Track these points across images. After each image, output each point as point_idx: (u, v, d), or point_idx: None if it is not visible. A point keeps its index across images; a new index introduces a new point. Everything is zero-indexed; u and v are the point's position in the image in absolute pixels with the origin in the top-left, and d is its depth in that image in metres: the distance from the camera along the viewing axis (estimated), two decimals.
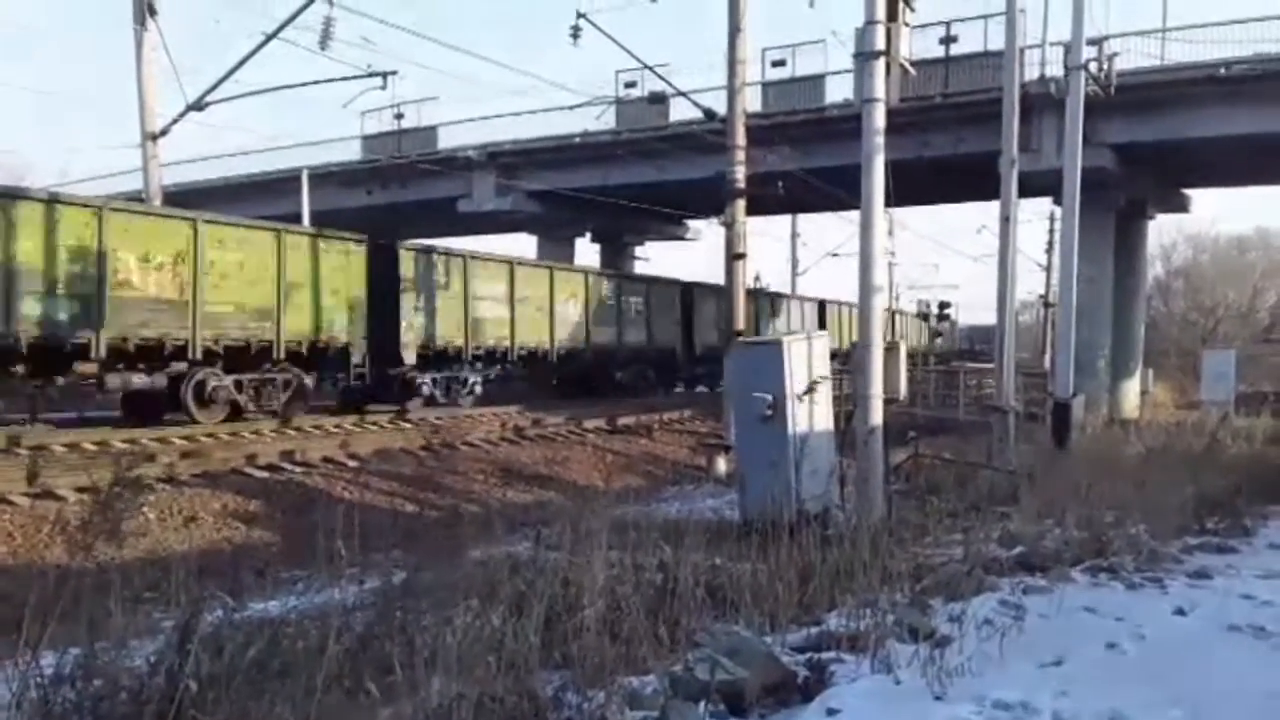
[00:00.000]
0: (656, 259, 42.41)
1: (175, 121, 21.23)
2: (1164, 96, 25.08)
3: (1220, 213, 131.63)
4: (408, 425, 19.13)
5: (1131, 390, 31.47)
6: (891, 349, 11.38)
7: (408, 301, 20.91)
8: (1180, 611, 5.96)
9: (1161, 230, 50.70)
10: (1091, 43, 19.31)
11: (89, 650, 3.74)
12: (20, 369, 14.99)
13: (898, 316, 44.59)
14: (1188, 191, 35.09)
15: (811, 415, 10.60)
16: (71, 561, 4.65)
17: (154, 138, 20.86)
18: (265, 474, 13.94)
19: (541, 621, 4.47)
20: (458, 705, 3.60)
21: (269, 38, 20.55)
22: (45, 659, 3.81)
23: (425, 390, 21.47)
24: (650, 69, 23.99)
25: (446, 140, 36.00)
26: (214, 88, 21.10)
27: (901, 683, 4.41)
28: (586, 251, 41.12)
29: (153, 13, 20.22)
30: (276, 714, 3.55)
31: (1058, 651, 4.97)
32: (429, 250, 22.17)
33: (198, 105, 21.04)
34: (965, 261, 74.56)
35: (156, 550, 10.55)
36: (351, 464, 15.18)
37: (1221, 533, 9.50)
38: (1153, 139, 26.06)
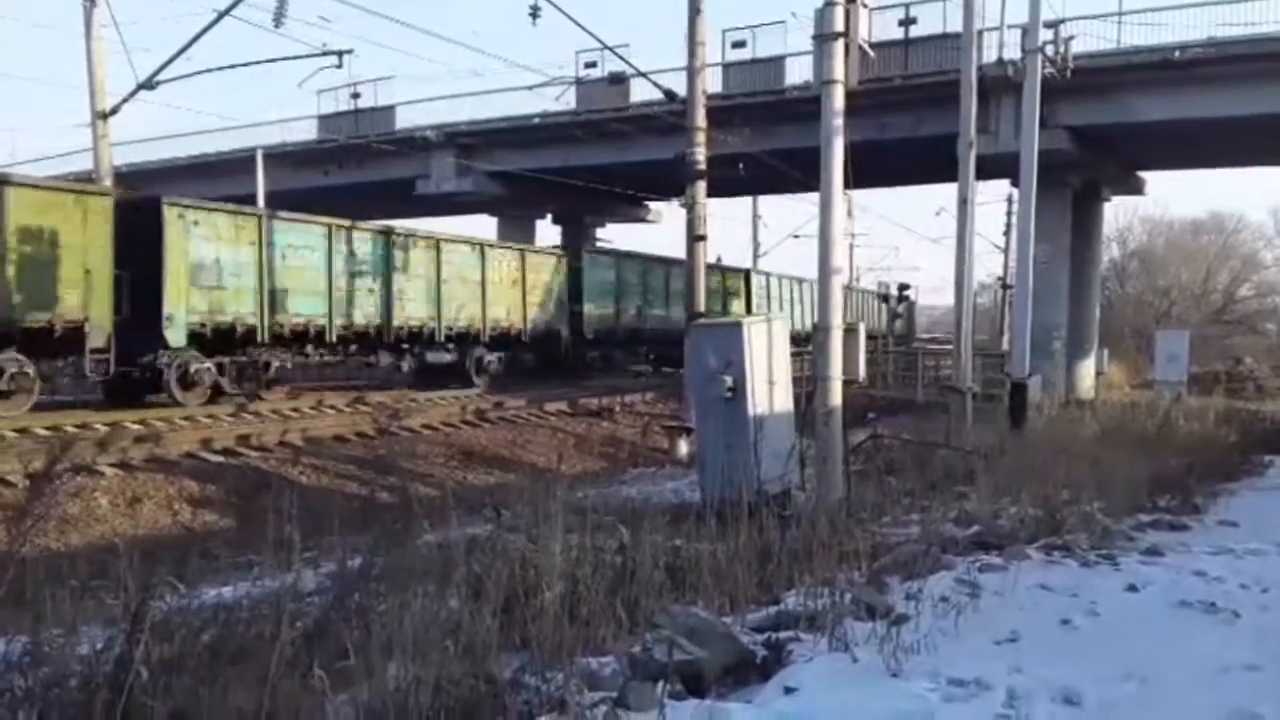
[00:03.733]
0: (619, 241, 42.20)
1: (126, 100, 20.89)
2: (1120, 80, 25.33)
3: (1175, 196, 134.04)
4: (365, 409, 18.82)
5: (1087, 371, 31.88)
6: (850, 331, 11.44)
7: (176, 272, 17.13)
8: (1133, 588, 6.04)
9: (1118, 213, 51.55)
10: (1048, 25, 19.43)
11: (36, 637, 3.67)
12: None
13: (857, 296, 44.68)
14: (1143, 174, 35.54)
15: (771, 397, 10.63)
16: (19, 547, 4.58)
17: (104, 116, 20.52)
18: None
19: (500, 604, 4.45)
20: (415, 689, 3.58)
21: (221, 15, 20.21)
22: None
23: (205, 379, 17.68)
24: (610, 49, 23.86)
25: (404, 120, 35.61)
26: (165, 66, 20.78)
27: (858, 660, 4.44)
28: (548, 233, 41.00)
29: None
30: (230, 700, 3.51)
31: (1012, 628, 5.02)
32: (204, 208, 18.12)
33: (149, 84, 20.69)
34: (925, 243, 75.41)
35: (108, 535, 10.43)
36: (311, 448, 15.09)
37: (1173, 511, 9.68)
38: (1108, 122, 26.34)
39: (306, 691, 3.57)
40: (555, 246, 30.51)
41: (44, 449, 11.63)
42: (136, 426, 14.61)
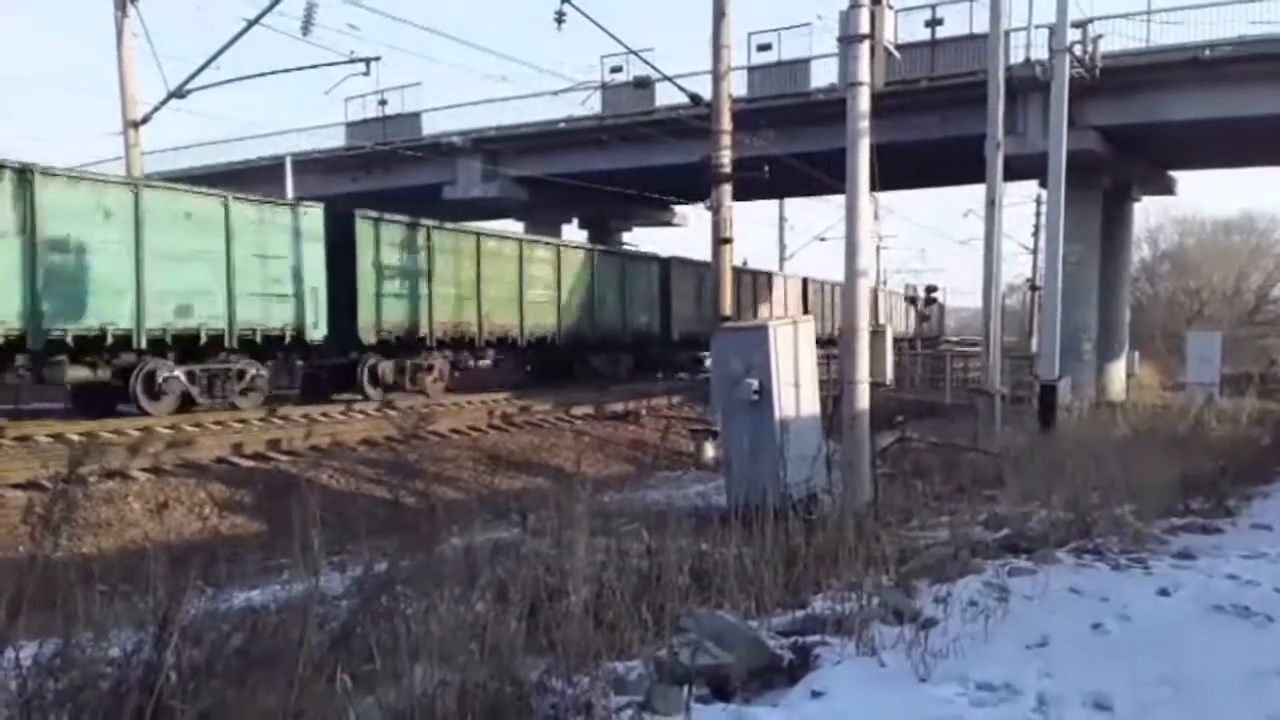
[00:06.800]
0: (643, 245, 42.25)
1: (157, 109, 21.05)
2: (1148, 79, 25.08)
3: (1207, 195, 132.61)
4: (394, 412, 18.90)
5: (1117, 372, 31.55)
6: (878, 333, 11.38)
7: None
8: (1164, 592, 5.97)
9: (1148, 213, 50.85)
10: (1076, 25, 19.32)
11: (66, 641, 3.70)
12: None
13: (885, 298, 44.49)
14: (1173, 174, 35.14)
15: (798, 399, 10.60)
16: (52, 552, 4.60)
17: (135, 125, 20.70)
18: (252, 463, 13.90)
19: (526, 608, 4.45)
20: (441, 692, 3.58)
21: (250, 24, 20.38)
22: (25, 650, 3.78)
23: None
24: (635, 54, 23.86)
25: (431, 126, 35.77)
26: (195, 74, 20.92)
27: (886, 665, 4.41)
28: (573, 237, 41.03)
29: None
30: (258, 704, 3.53)
31: (1042, 632, 4.97)
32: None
33: (179, 92, 20.86)
34: (953, 245, 75.25)
35: (139, 540, 10.52)
36: (340, 452, 15.17)
37: (1206, 513, 9.55)
38: (1137, 121, 26.07)
39: (335, 694, 3.59)
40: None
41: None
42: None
